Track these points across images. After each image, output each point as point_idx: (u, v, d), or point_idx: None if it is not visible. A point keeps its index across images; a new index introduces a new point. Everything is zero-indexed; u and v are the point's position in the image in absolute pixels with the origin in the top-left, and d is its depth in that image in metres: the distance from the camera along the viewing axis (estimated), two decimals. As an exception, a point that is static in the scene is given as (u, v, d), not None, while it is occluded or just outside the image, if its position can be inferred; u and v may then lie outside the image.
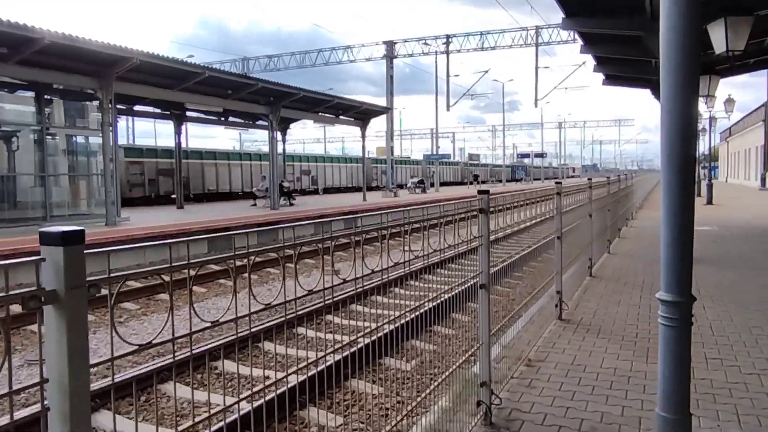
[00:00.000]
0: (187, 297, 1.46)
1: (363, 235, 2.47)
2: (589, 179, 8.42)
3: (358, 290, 2.31)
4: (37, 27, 12.56)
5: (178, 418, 4.97)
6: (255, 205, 24.76)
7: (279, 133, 25.69)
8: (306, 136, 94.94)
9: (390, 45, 37.98)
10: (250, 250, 1.59)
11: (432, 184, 44.98)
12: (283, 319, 3.07)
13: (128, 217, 17.77)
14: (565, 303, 6.13)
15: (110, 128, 16.05)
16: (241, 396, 1.80)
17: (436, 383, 3.28)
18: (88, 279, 1.09)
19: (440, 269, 8.09)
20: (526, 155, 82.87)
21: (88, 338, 1.08)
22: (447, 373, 3.34)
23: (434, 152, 47.97)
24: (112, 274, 1.15)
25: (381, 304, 7.85)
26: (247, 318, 1.68)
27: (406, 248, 2.76)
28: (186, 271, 1.38)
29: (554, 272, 5.83)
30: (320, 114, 26.23)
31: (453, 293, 3.45)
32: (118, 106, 20.22)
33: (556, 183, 5.78)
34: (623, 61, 14.18)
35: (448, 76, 39.58)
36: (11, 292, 0.99)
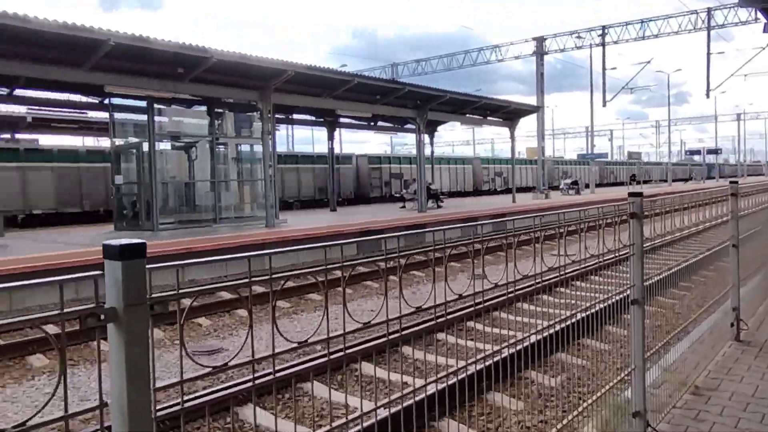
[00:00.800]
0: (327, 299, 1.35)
1: (515, 239, 2.24)
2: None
3: (501, 299, 2.08)
4: (207, 47, 13.84)
5: (317, 419, 5.05)
6: (404, 207, 25.14)
7: (427, 136, 25.85)
8: (455, 138, 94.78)
9: (540, 41, 36.50)
10: (347, 262, 1.45)
11: (587, 185, 42.46)
12: (418, 327, 2.91)
13: (286, 220, 18.93)
14: (744, 322, 5.27)
15: (269, 136, 17.24)
16: (379, 402, 1.76)
17: (579, 409, 2.93)
18: (153, 295, 1.01)
19: (594, 275, 7.46)
20: (697, 152, 74.97)
21: (151, 359, 1.00)
22: (592, 400, 2.96)
23: (589, 151, 45.26)
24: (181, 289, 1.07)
25: (526, 312, 7.43)
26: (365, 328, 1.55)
27: (555, 253, 2.47)
28: (275, 281, 1.27)
29: (729, 285, 5.04)
30: (467, 115, 25.93)
31: (606, 304, 3.07)
32: (278, 116, 21.68)
33: (731, 183, 5.00)
34: (820, 38, 12.11)
35: (604, 69, 37.07)
36: (69, 309, 0.94)
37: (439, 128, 30.52)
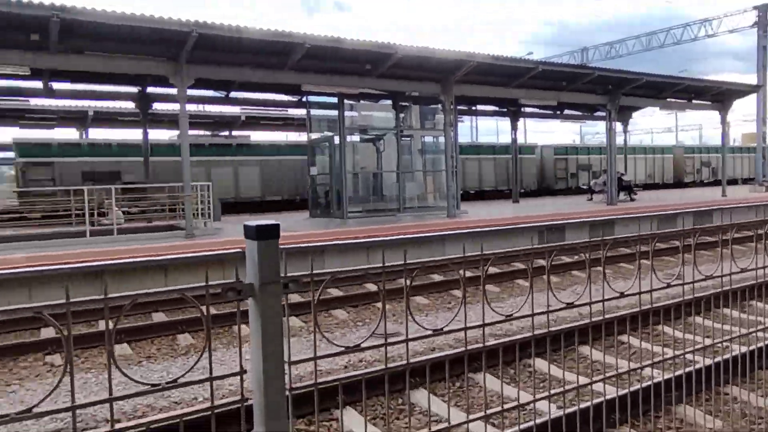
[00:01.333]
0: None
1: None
2: None
3: (696, 296, 1.88)
4: (392, 43, 14.38)
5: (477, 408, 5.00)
6: (591, 199, 23.77)
7: (619, 124, 24.03)
8: (654, 124, 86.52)
9: (763, 10, 31.64)
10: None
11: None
12: (601, 318, 2.76)
13: (466, 210, 19.01)
14: None
15: (451, 128, 17.41)
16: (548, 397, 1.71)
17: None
18: (288, 275, 1.07)
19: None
20: None
21: (283, 334, 1.07)
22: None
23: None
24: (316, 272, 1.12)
25: (733, 319, 6.56)
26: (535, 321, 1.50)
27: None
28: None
29: None
30: (667, 100, 23.52)
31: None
32: (461, 107, 21.78)
33: None
34: None
35: None
36: (212, 282, 1.03)
37: (635, 114, 28.15)
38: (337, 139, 17.39)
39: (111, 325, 1.09)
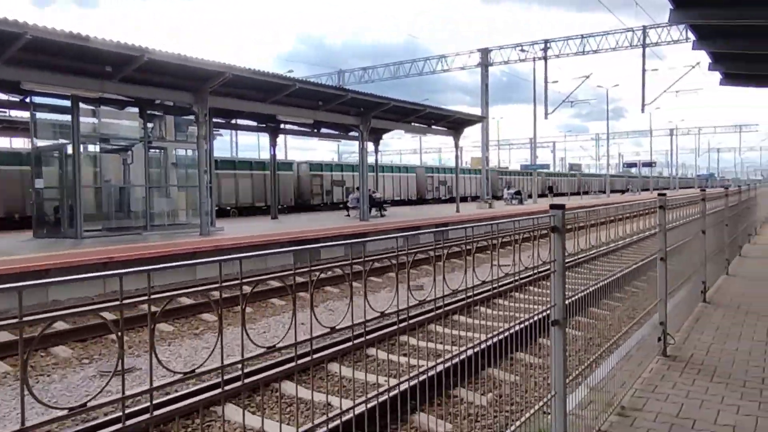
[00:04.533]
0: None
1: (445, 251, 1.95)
2: (725, 188, 7.38)
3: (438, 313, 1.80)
4: (138, 45, 13.14)
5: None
6: (348, 215, 24.91)
7: (371, 144, 25.66)
8: (403, 146, 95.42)
9: (485, 52, 37.07)
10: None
11: (530, 195, 43.39)
12: (350, 344, 2.63)
13: (222, 228, 18.26)
14: (671, 336, 5.20)
15: (205, 141, 16.56)
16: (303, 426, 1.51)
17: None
18: None
19: (517, 293, 7.35)
20: (633, 164, 78.36)
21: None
22: (510, 430, 2.71)
23: (532, 162, 46.29)
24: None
25: (460, 324, 7.26)
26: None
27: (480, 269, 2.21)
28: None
29: (657, 299, 4.95)
30: (412, 124, 25.91)
31: (525, 324, 2.85)
32: (218, 120, 20.98)
33: (659, 195, 4.92)
34: (748, 56, 12.52)
35: (546, 82, 37.97)
36: None
37: (386, 136, 30.50)
38: (70, 148, 15.27)
39: None
